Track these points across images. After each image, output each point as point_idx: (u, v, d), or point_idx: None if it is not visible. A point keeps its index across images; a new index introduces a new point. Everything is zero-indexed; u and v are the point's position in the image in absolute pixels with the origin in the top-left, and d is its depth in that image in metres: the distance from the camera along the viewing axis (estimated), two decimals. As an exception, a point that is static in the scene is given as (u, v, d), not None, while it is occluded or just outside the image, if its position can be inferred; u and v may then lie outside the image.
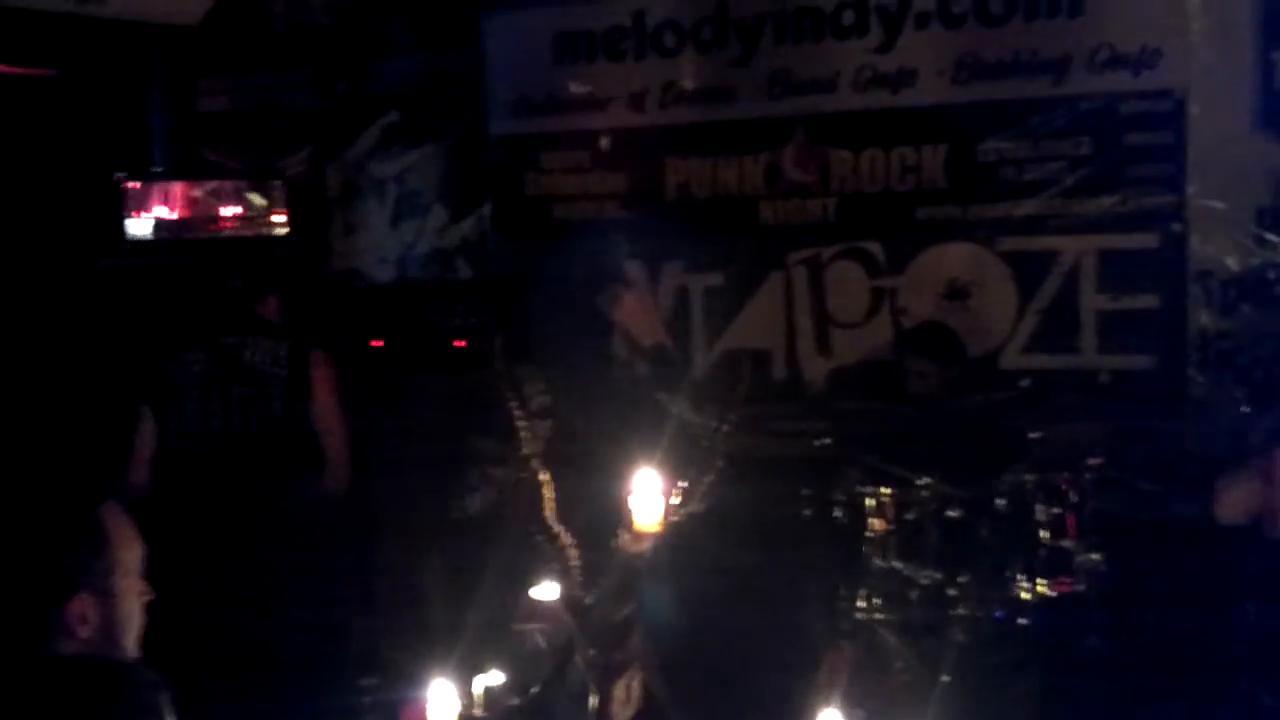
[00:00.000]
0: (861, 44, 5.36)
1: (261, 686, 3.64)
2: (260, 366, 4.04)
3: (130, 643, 1.96)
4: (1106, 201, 5.10)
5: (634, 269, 5.61)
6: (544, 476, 2.41)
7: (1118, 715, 3.93)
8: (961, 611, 4.03)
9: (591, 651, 2.34)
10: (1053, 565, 4.07)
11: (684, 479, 2.29)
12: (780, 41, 5.48)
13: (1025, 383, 4.51)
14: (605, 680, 2.32)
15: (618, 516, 2.30)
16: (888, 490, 4.13)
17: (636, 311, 4.06)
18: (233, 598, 3.73)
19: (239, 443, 4.02)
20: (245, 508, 3.84)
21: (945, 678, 3.90)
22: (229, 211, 5.52)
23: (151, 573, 2.10)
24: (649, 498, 2.33)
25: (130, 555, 1.94)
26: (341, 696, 3.64)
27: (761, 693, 1.62)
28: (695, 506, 1.78)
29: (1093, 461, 4.12)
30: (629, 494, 2.33)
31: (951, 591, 4.05)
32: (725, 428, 2.25)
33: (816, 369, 5.52)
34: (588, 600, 2.39)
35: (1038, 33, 5.14)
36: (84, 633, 1.85)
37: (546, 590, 2.53)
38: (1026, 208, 5.18)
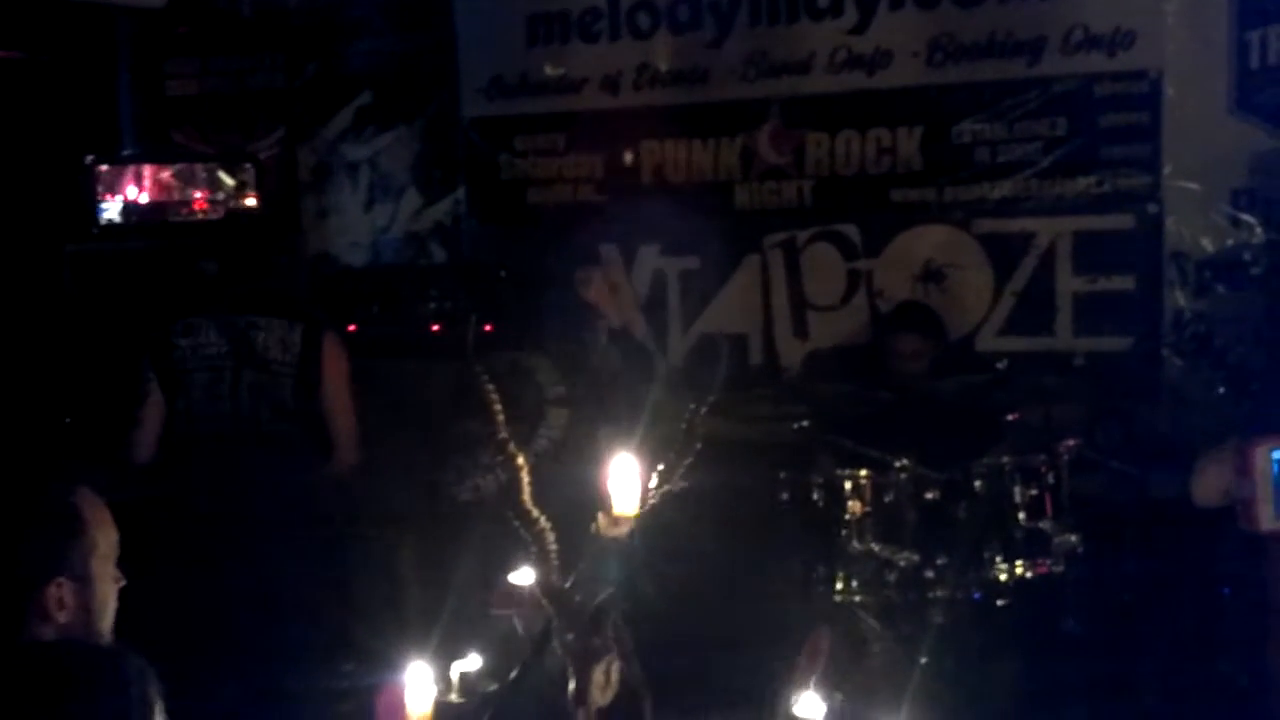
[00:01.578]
0: (836, 25, 5.34)
1: (241, 670, 3.61)
2: (272, 351, 3.99)
3: (106, 627, 1.93)
4: (1082, 183, 5.10)
5: (610, 252, 5.61)
6: (520, 461, 2.38)
7: (1094, 696, 3.94)
8: (939, 593, 4.03)
9: (569, 636, 2.31)
10: (1030, 547, 4.07)
11: (661, 463, 2.26)
12: (755, 23, 5.45)
13: (1002, 364, 4.51)
14: (583, 665, 2.29)
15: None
16: (865, 473, 4.13)
17: (606, 292, 4.05)
18: (215, 583, 3.70)
19: (247, 427, 3.97)
20: (245, 493, 3.79)
21: (923, 659, 3.89)
22: (201, 195, 5.47)
23: (134, 557, 2.07)
24: (626, 483, 2.31)
25: (106, 540, 1.91)
26: (318, 681, 3.61)
27: (737, 677, 1.60)
28: (671, 491, 1.75)
29: (1069, 443, 4.12)
30: (606, 479, 2.31)
31: (929, 573, 4.05)
32: (703, 411, 2.22)
33: (793, 352, 5.51)
34: (565, 585, 2.36)
35: (1012, 14, 5.14)
36: (61, 618, 1.83)
37: (522, 575, 2.51)
38: (1002, 189, 5.19)
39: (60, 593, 1.82)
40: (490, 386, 2.43)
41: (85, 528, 1.88)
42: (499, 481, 3.11)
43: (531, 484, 2.20)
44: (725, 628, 1.55)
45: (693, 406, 2.24)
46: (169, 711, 2.00)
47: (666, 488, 1.84)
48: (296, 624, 3.69)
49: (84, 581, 1.86)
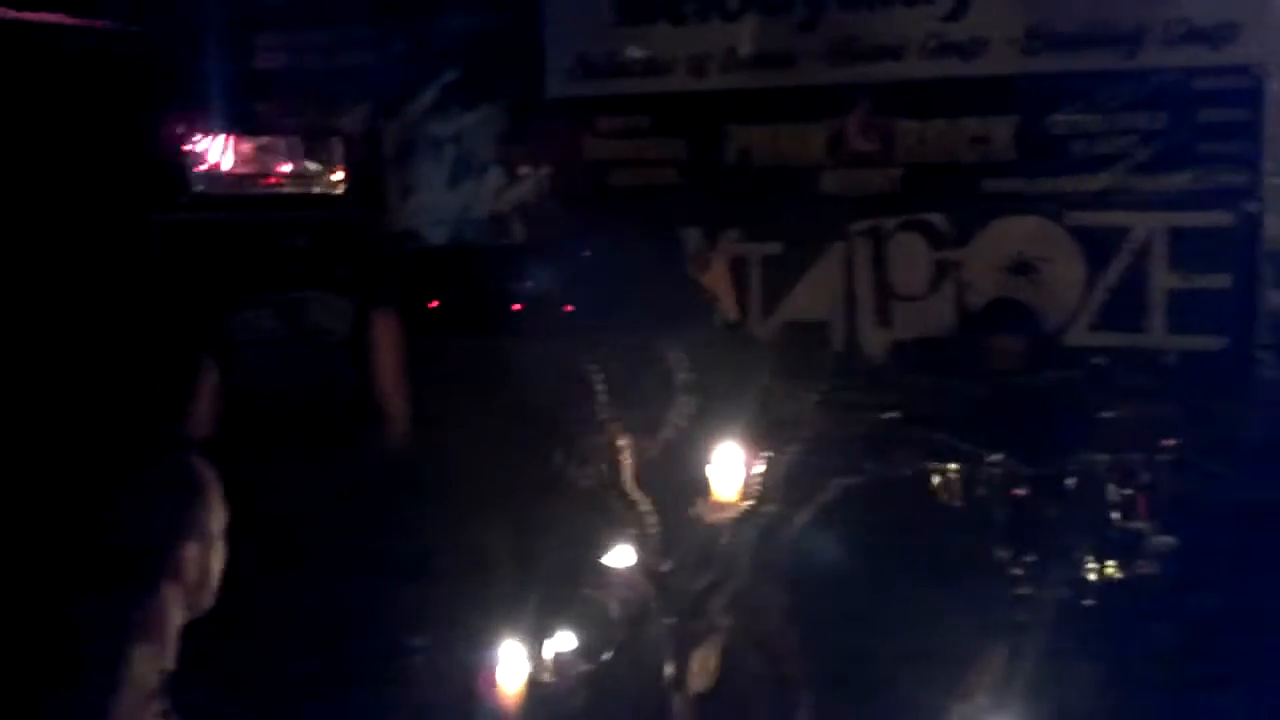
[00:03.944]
0: (931, 11, 5.27)
1: (311, 647, 3.62)
2: (324, 324, 3.99)
3: (213, 593, 1.94)
4: (1179, 178, 5.00)
5: (693, 236, 5.58)
6: (623, 443, 2.37)
7: (1181, 701, 3.86)
8: (1025, 591, 3.96)
9: (669, 620, 2.29)
10: (1123, 547, 3.99)
11: (768, 451, 2.25)
12: (847, 7, 5.39)
13: (1099, 360, 4.43)
14: (683, 649, 2.29)
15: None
16: (955, 466, 4.06)
17: (723, 277, 3.97)
18: (285, 557, 3.70)
19: (300, 400, 3.97)
20: (303, 465, 3.80)
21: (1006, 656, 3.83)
22: (287, 168, 5.49)
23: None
24: (729, 469, 2.29)
25: (220, 505, 1.93)
26: (392, 656, 3.62)
27: (911, 686, 1.57)
28: (823, 498, 1.73)
29: (1168, 443, 4.04)
30: (709, 464, 2.30)
31: (1016, 570, 3.98)
32: (816, 400, 2.20)
33: (875, 342, 5.45)
34: (663, 568, 2.35)
35: (1112, 4, 5.05)
36: (190, 576, 1.84)
37: (620, 556, 2.50)
38: (1096, 182, 5.10)
39: (188, 554, 1.83)
40: (595, 369, 2.43)
41: (206, 491, 1.89)
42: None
43: (657, 470, 2.20)
44: (901, 634, 1.51)
45: (807, 396, 2.22)
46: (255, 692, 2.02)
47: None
48: (370, 601, 3.70)
49: (206, 544, 1.88)
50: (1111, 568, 3.92)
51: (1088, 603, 3.90)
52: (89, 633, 1.63)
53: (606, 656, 2.44)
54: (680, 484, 2.42)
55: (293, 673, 3.27)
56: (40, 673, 1.61)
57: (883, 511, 1.66)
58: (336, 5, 6.19)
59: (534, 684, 2.30)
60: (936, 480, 3.97)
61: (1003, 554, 3.94)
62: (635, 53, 5.74)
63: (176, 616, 1.83)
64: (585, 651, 2.41)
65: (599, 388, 2.40)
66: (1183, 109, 4.99)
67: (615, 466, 2.36)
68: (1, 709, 1.58)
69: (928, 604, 1.56)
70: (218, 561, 1.93)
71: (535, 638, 2.35)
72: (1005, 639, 1.62)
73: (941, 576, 1.56)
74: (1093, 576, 3.91)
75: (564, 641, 2.40)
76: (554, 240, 5.82)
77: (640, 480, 2.34)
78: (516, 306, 5.40)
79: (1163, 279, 5.04)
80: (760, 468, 2.25)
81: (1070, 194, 5.13)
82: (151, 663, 1.71)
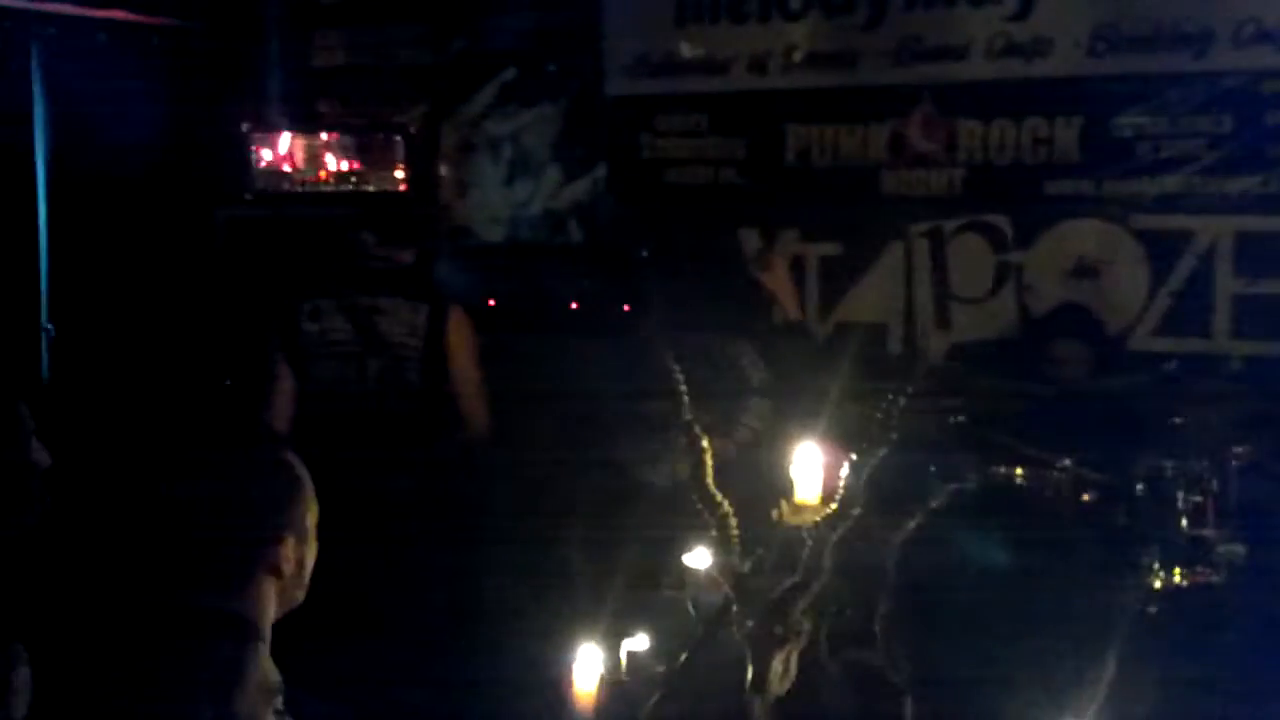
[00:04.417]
0: (996, 11, 5.21)
1: (390, 650, 3.63)
2: (398, 336, 3.98)
3: (306, 586, 1.95)
4: (1246, 182, 4.93)
5: (748, 236, 5.57)
6: (705, 444, 2.36)
7: (1247, 711, 3.82)
8: (1127, 599, 3.90)
9: (750, 623, 2.29)
10: (1190, 555, 3.95)
11: (855, 453, 2.24)
12: (911, 7, 5.35)
13: (1171, 365, 4.38)
14: (763, 652, 2.28)
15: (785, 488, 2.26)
16: (1021, 471, 4.04)
17: (785, 278, 3.97)
18: (359, 562, 3.71)
19: (375, 410, 3.97)
20: (377, 475, 3.81)
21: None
22: (349, 165, 5.53)
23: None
24: (811, 471, 2.28)
25: (312, 500, 1.93)
26: (474, 659, 3.63)
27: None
28: (936, 502, 1.71)
29: (1239, 449, 3.99)
30: (791, 466, 2.29)
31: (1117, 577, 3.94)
32: (901, 402, 2.18)
33: (934, 344, 5.42)
34: (743, 569, 2.35)
35: (1180, 5, 4.97)
36: (287, 570, 1.85)
37: (699, 557, 2.49)
38: (1162, 185, 5.02)
39: (286, 549, 1.84)
40: (677, 369, 2.42)
41: (303, 486, 1.90)
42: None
43: (732, 471, 2.19)
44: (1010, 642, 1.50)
45: (890, 397, 2.21)
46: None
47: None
48: (446, 605, 3.71)
49: (303, 539, 1.89)
50: (1180, 575, 3.89)
51: (1159, 611, 3.87)
52: (209, 632, 1.64)
53: (684, 658, 2.44)
54: (760, 485, 2.42)
55: (367, 675, 3.28)
56: (156, 673, 1.63)
57: (986, 516, 1.65)
58: (395, 3, 6.21)
59: (610, 684, 2.30)
60: (1039, 484, 3.95)
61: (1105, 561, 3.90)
62: (695, 51, 5.73)
63: (272, 612, 1.84)
64: (662, 652, 2.41)
65: (681, 388, 2.39)
66: (1251, 112, 4.90)
67: (698, 467, 2.35)
68: (125, 709, 1.60)
69: (1035, 612, 1.55)
70: (311, 557, 1.94)
71: (612, 638, 2.35)
72: (1110, 649, 1.61)
73: (1044, 585, 1.55)
74: (1156, 583, 3.88)
75: (641, 642, 2.40)
76: (611, 239, 5.83)
77: (717, 482, 2.34)
78: (574, 306, 5.41)
79: (1228, 283, 4.96)
80: (845, 470, 2.24)
81: (1135, 197, 5.06)
82: (268, 660, 1.72)
